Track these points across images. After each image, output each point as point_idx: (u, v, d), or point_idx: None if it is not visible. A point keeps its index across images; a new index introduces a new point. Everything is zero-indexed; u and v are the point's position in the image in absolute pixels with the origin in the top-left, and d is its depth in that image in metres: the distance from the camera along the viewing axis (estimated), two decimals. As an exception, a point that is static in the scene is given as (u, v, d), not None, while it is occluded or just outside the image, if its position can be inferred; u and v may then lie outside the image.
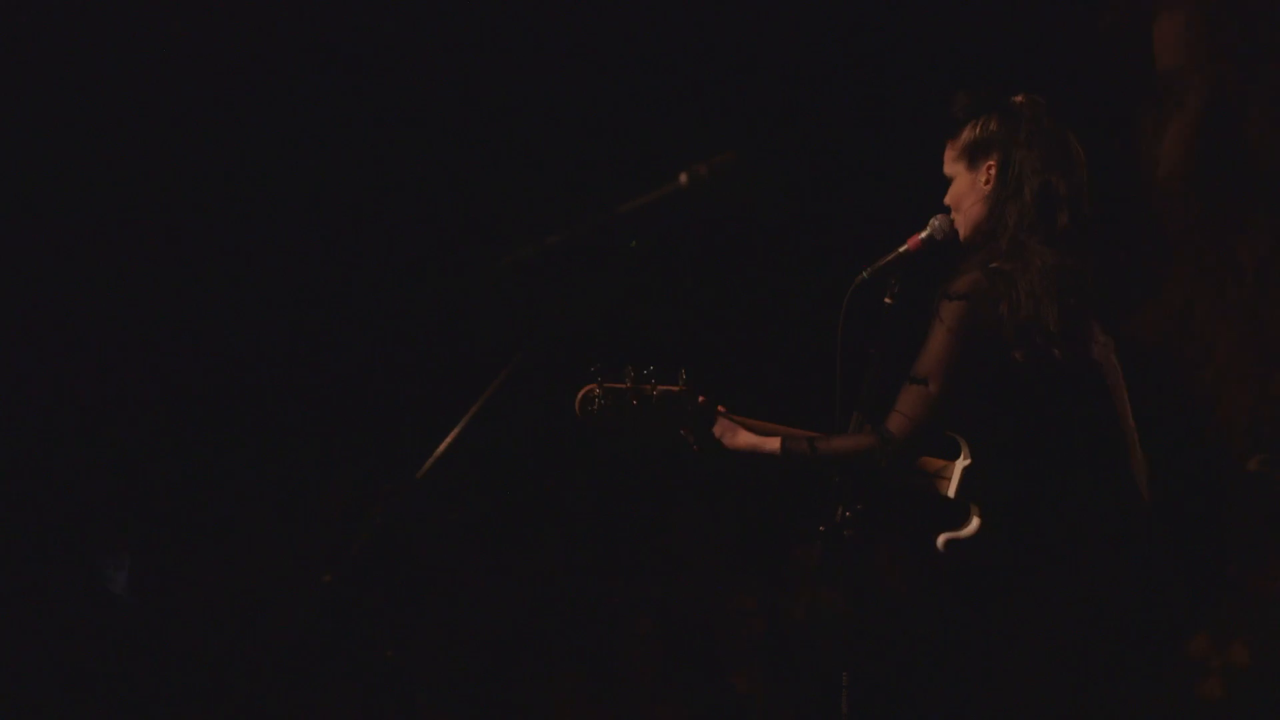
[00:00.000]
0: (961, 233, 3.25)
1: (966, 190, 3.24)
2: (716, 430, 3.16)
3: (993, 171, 3.20)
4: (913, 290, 3.25)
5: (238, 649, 4.63)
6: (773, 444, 3.13)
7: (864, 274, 3.21)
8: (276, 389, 4.85)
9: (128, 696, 4.57)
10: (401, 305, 4.85)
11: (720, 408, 3.18)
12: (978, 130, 3.22)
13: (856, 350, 3.18)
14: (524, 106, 4.87)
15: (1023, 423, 3.10)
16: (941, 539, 3.24)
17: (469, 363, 4.39)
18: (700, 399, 3.13)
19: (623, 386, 3.08)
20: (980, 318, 3.05)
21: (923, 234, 3.25)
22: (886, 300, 3.23)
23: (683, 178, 2.20)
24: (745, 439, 3.16)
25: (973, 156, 3.23)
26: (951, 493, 3.18)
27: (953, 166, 3.27)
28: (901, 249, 3.23)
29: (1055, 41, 4.30)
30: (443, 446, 2.37)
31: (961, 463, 3.19)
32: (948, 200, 3.28)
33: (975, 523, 3.19)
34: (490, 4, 4.85)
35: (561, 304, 2.30)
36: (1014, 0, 4.38)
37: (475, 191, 4.88)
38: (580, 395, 3.08)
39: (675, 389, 3.12)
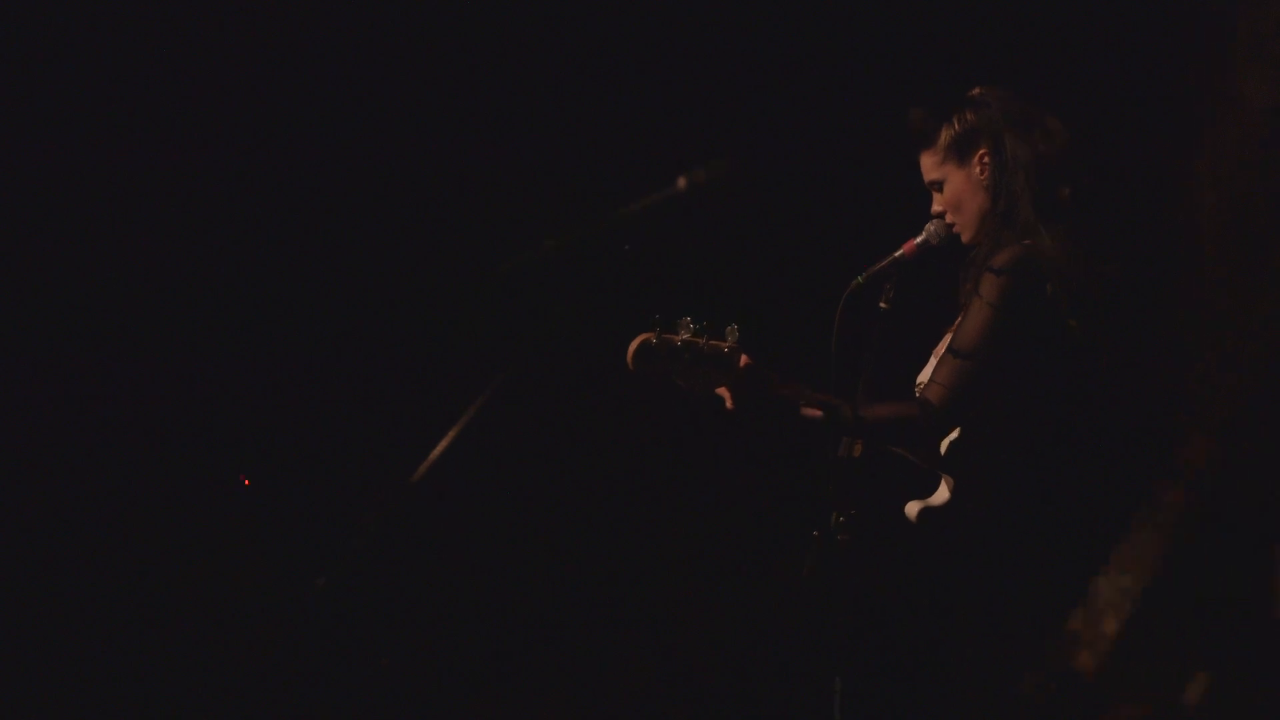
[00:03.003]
0: (968, 233, 3.25)
1: (963, 187, 3.24)
2: (757, 392, 3.08)
3: (986, 159, 3.21)
4: (908, 296, 3.25)
5: (229, 655, 4.62)
6: (813, 410, 3.07)
7: (859, 279, 3.21)
8: (271, 392, 4.85)
9: (120, 699, 4.57)
10: (397, 309, 4.84)
11: (763, 370, 3.09)
12: (957, 126, 3.24)
13: (851, 356, 3.18)
14: (522, 110, 4.87)
15: (1026, 398, 3.10)
16: (914, 508, 3.25)
17: (465, 366, 4.39)
18: (743, 361, 3.06)
19: (676, 339, 3.02)
20: (1023, 292, 3.05)
21: (918, 239, 3.25)
22: (882, 305, 3.23)
23: (681, 182, 2.20)
24: (785, 403, 3.09)
25: (961, 152, 3.24)
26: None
27: (940, 170, 3.27)
28: (897, 254, 3.23)
29: (1064, 43, 4.28)
30: (438, 450, 2.37)
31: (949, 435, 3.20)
32: (943, 206, 3.27)
33: (945, 493, 3.21)
34: (483, 6, 4.84)
35: (558, 308, 2.31)
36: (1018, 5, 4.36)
37: (471, 195, 4.88)
38: (636, 344, 3.00)
39: (723, 346, 3.05)
